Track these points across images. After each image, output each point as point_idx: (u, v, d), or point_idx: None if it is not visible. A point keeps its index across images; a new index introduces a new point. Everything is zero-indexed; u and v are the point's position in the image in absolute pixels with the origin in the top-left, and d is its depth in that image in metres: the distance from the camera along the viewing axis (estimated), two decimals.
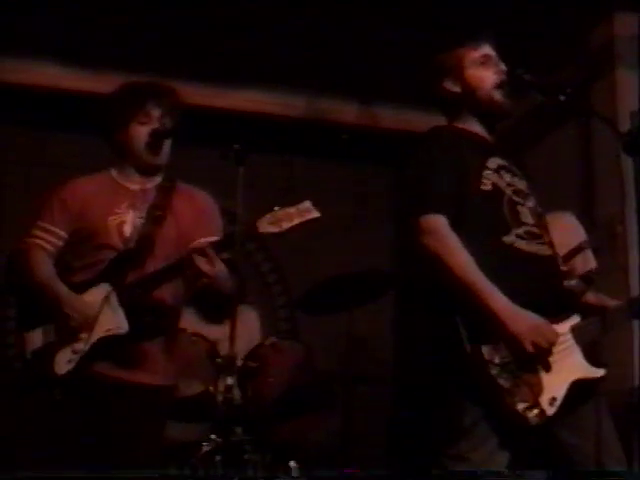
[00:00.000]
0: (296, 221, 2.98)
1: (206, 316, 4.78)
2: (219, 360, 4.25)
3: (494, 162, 2.93)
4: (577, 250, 3.76)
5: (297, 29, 5.34)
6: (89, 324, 2.99)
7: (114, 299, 3.01)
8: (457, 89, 3.04)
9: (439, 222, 2.75)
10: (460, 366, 2.70)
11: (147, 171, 3.25)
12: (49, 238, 3.17)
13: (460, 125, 3.05)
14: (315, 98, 5.93)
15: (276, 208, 3.00)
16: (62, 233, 3.17)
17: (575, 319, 2.88)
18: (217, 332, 4.42)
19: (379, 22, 5.26)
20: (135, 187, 3.23)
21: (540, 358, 2.72)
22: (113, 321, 3.00)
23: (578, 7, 5.03)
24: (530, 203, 2.97)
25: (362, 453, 4.65)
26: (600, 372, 2.85)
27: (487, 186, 2.86)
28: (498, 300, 2.68)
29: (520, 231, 2.86)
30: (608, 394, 4.75)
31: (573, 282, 3.14)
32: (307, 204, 3.01)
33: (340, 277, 4.63)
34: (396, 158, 6.42)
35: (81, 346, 2.99)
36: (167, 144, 3.24)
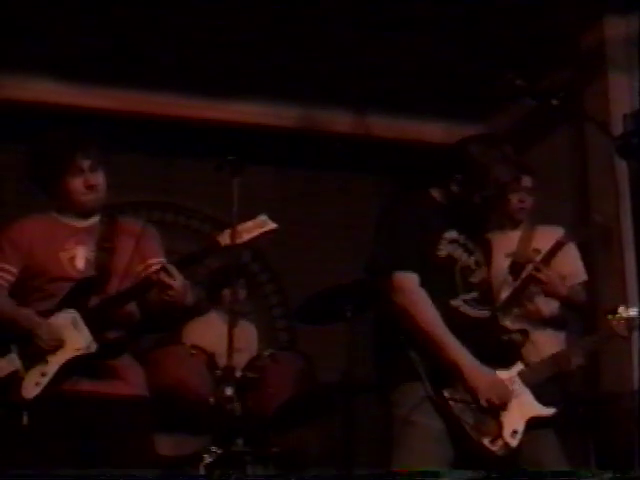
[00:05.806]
0: (255, 233, 3.20)
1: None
2: (218, 372, 4.24)
3: (450, 234, 3.17)
4: (555, 248, 3.77)
5: (289, 40, 5.35)
6: (58, 346, 3.07)
7: (80, 321, 3.11)
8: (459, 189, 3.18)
9: (410, 279, 3.02)
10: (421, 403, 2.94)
11: (86, 214, 3.35)
12: (1, 274, 3.25)
13: (435, 193, 3.24)
14: (309, 108, 5.94)
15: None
16: (14, 270, 3.25)
17: (519, 366, 3.19)
18: (216, 344, 4.41)
19: (371, 32, 5.27)
20: (79, 224, 3.33)
21: (493, 409, 2.97)
22: (82, 341, 3.09)
23: (568, 11, 5.04)
24: (476, 277, 3.19)
25: (363, 462, 4.63)
26: (551, 411, 3.16)
27: (442, 253, 3.12)
28: (461, 355, 2.98)
29: (467, 297, 3.13)
30: (608, 398, 4.76)
31: (513, 335, 3.41)
32: (263, 217, 3.24)
33: (338, 286, 4.62)
34: (391, 167, 6.45)
35: (50, 368, 3.07)
36: (102, 187, 3.31)
